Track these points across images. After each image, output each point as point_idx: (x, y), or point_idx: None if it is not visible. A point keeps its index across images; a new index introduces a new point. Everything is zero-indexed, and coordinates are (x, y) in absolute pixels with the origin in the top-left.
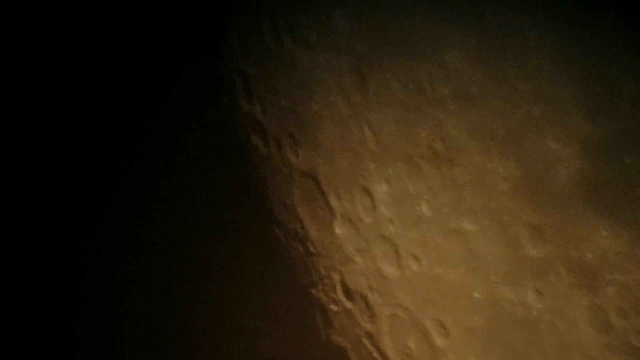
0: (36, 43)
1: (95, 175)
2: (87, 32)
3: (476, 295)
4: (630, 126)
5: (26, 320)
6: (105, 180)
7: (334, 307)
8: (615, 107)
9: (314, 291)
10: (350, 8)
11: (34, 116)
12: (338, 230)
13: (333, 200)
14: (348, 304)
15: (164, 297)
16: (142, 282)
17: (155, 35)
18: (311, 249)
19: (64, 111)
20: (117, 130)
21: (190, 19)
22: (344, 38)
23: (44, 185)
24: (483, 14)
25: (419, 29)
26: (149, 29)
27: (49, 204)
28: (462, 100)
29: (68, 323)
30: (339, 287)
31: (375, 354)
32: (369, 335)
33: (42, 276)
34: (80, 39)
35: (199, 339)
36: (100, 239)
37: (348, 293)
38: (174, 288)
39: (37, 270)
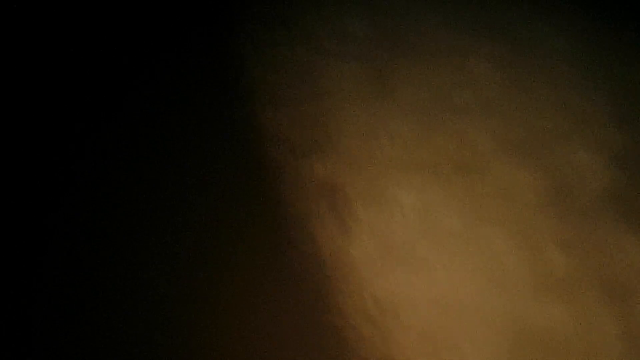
0: (35, 43)
1: (108, 190)
2: (92, 37)
3: (501, 309)
4: None
5: (22, 320)
6: (114, 189)
7: (355, 321)
8: None
9: (342, 303)
10: (367, 16)
11: (32, 116)
12: (364, 239)
13: (358, 210)
14: (376, 315)
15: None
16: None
17: (168, 46)
18: (336, 257)
19: (65, 111)
20: (126, 139)
21: (203, 26)
22: (365, 46)
23: (41, 184)
24: (509, 22)
25: (442, 37)
26: (161, 41)
27: (46, 204)
28: (488, 109)
29: (64, 322)
30: (369, 298)
31: None
32: (394, 349)
33: (37, 275)
34: (85, 44)
35: None
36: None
37: (377, 304)
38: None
39: (33, 269)
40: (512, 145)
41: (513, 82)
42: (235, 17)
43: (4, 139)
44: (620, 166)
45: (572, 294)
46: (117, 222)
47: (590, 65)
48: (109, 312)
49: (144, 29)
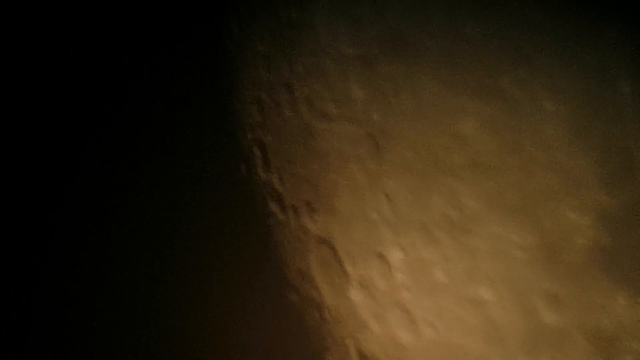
0: (35, 43)
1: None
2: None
3: None
4: None
5: (17, 319)
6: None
7: None
8: (631, 178)
9: (328, 357)
10: (366, 80)
11: (31, 116)
12: (354, 296)
13: (349, 267)
14: None
15: None
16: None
17: (172, 106)
18: (326, 315)
19: (63, 112)
20: (132, 200)
21: (209, 89)
22: (361, 108)
23: (37, 182)
24: (498, 83)
25: (434, 99)
26: (166, 104)
27: (41, 203)
28: (478, 170)
29: (60, 321)
30: (353, 353)
31: None
32: None
33: (32, 275)
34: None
35: None
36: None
37: (362, 359)
38: None
39: (27, 269)
40: (502, 205)
41: (503, 143)
42: (241, 83)
43: (3, 138)
44: (606, 226)
45: (560, 348)
46: (117, 223)
47: (581, 127)
48: (106, 312)
49: (149, 99)
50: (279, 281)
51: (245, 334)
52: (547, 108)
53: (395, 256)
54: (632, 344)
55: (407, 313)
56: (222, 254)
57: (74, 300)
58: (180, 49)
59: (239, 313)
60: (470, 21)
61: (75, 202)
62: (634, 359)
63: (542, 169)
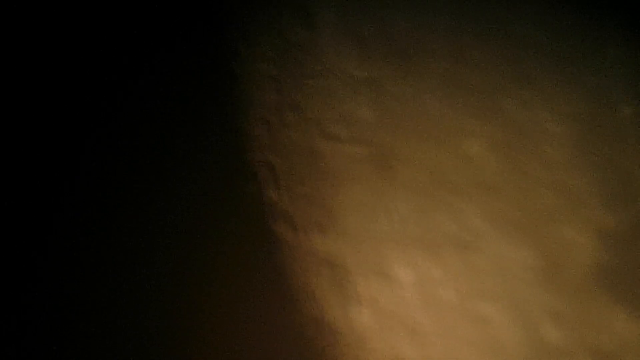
0: (35, 43)
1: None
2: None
3: None
4: None
5: (17, 319)
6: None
7: None
8: (631, 198)
9: None
10: (374, 100)
11: (31, 115)
12: (360, 315)
13: (357, 287)
14: None
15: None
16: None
17: (177, 123)
18: (332, 333)
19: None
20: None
21: (215, 109)
22: (369, 129)
23: (37, 182)
24: (501, 104)
25: (440, 119)
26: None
27: (41, 202)
28: (482, 189)
29: (55, 320)
30: None
31: None
32: None
33: (27, 274)
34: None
35: None
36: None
37: None
38: None
39: (23, 268)
40: (506, 223)
41: (507, 164)
42: (248, 103)
43: (1, 138)
44: (608, 245)
45: None
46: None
47: (582, 147)
48: (106, 312)
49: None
50: (284, 300)
51: (247, 352)
52: (549, 129)
53: (403, 275)
54: None
55: (413, 331)
56: (227, 274)
57: (74, 300)
58: (186, 69)
59: (242, 330)
60: (474, 42)
61: (75, 202)
62: None
63: (545, 188)
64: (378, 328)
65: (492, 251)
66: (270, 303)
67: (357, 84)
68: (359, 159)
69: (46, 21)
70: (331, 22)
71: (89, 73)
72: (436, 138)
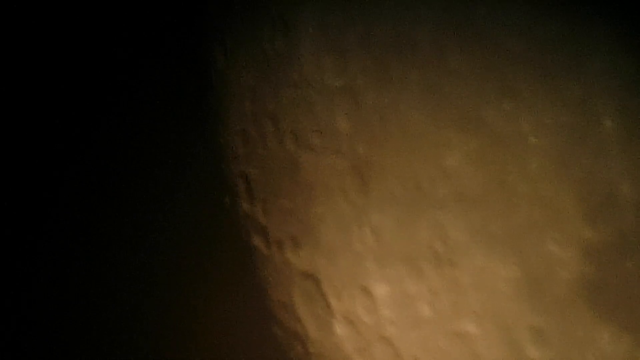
0: (35, 43)
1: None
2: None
3: None
4: (630, 230)
5: (16, 319)
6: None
7: None
8: (614, 211)
9: None
10: (352, 111)
11: (31, 115)
12: (338, 330)
13: (333, 301)
14: None
15: None
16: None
17: (154, 135)
18: (310, 349)
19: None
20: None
21: (191, 119)
22: (346, 140)
23: (37, 182)
24: (483, 115)
25: (419, 131)
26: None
27: (41, 202)
28: (463, 202)
29: (51, 320)
30: None
31: None
32: None
33: (23, 274)
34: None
35: None
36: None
37: None
38: None
39: (23, 268)
40: (487, 237)
41: (488, 176)
42: (225, 113)
43: (0, 138)
44: (589, 259)
45: None
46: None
47: (565, 160)
48: (105, 312)
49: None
50: (261, 314)
51: None
52: (531, 141)
53: (380, 289)
54: None
55: (392, 347)
56: (203, 287)
57: (73, 300)
58: (164, 79)
59: (222, 345)
60: (456, 52)
61: (75, 202)
62: None
63: (526, 201)
64: (356, 343)
65: (472, 265)
66: (248, 315)
67: (335, 94)
68: (336, 170)
69: (46, 21)
70: (310, 32)
71: (64, 83)
72: (416, 149)
